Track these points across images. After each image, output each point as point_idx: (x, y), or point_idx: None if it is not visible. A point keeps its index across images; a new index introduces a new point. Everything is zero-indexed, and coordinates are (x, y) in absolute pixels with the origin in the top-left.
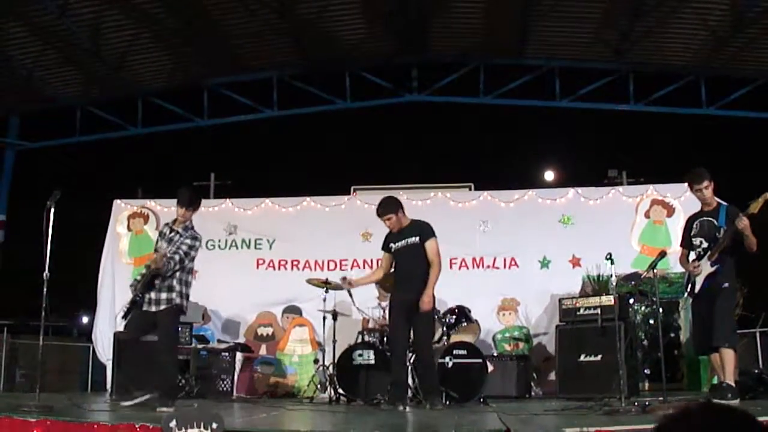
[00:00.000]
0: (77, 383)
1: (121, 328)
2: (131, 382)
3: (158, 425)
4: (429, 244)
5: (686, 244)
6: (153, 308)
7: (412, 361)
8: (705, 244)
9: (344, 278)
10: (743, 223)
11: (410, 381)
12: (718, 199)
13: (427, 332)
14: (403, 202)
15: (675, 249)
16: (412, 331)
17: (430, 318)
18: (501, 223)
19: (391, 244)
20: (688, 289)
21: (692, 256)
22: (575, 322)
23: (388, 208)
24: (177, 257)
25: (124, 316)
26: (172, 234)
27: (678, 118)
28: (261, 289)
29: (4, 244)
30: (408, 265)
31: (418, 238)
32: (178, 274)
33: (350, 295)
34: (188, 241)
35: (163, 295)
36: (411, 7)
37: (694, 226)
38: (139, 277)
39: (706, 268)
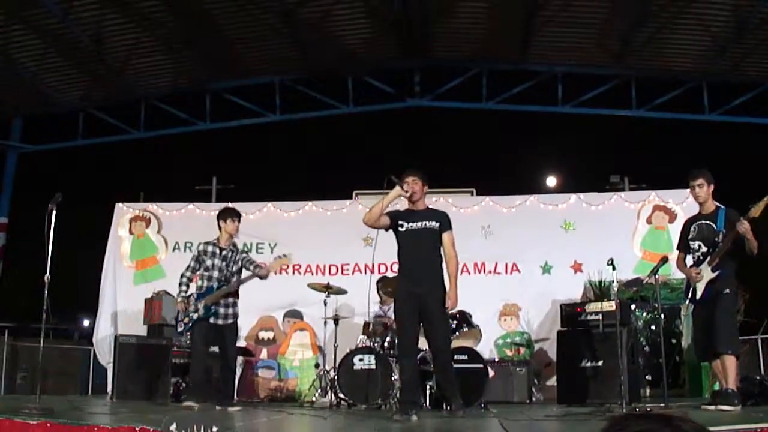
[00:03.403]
0: (78, 386)
1: (122, 331)
2: (133, 386)
3: (158, 428)
4: (449, 236)
5: (683, 247)
6: (220, 321)
7: (428, 365)
8: (704, 249)
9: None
10: (744, 226)
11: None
12: (717, 203)
13: (447, 330)
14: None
15: (677, 255)
16: (428, 333)
17: (448, 315)
18: (503, 228)
19: (402, 222)
20: (689, 296)
21: (689, 260)
22: (577, 328)
23: (418, 172)
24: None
25: (191, 330)
26: (225, 252)
27: (680, 124)
28: (262, 293)
29: (6, 247)
30: (422, 252)
31: (437, 225)
32: (237, 288)
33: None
34: (245, 255)
35: (230, 310)
36: (414, 12)
37: (692, 229)
38: (186, 290)
39: (706, 273)
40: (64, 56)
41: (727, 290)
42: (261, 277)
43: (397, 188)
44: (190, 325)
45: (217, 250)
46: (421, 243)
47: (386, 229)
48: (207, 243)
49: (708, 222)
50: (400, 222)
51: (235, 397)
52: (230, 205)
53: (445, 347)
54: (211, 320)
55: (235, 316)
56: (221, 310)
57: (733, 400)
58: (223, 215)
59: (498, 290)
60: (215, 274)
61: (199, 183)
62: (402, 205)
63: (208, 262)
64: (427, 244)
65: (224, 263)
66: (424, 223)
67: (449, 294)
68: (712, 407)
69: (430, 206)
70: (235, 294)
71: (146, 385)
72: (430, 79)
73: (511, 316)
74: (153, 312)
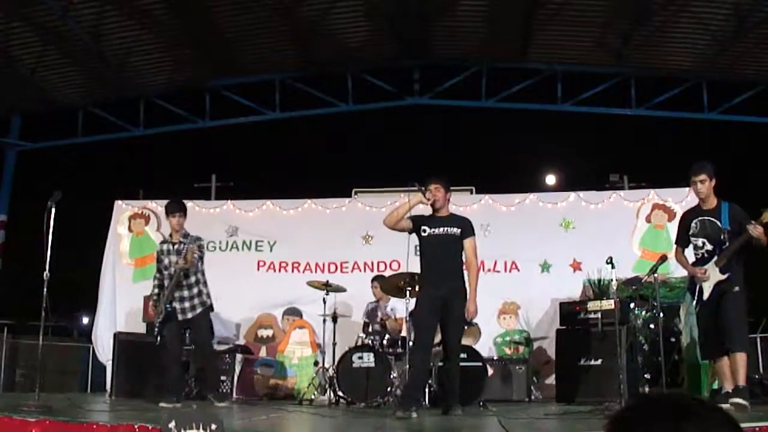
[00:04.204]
0: (77, 383)
1: (121, 329)
2: (132, 383)
3: (157, 426)
4: (471, 242)
5: (682, 241)
6: (189, 315)
7: (439, 364)
8: (708, 246)
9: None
10: (758, 230)
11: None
12: (717, 197)
13: (461, 335)
14: None
15: (674, 249)
16: (445, 334)
17: (464, 320)
18: (502, 226)
19: (425, 228)
20: (696, 297)
21: (690, 254)
22: (576, 326)
23: (441, 180)
24: (197, 256)
25: (160, 333)
26: (177, 245)
27: (680, 122)
28: (261, 291)
29: (5, 244)
30: (444, 257)
31: (458, 231)
32: (200, 276)
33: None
34: (195, 243)
35: (196, 301)
36: (413, 9)
37: (693, 225)
38: (157, 291)
39: (714, 274)
40: (64, 54)
41: (737, 288)
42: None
43: (419, 195)
44: (158, 329)
45: (171, 246)
46: (443, 249)
47: (409, 233)
48: (162, 242)
49: (711, 219)
50: (422, 227)
51: (234, 394)
52: (229, 202)
53: (458, 350)
54: (180, 317)
55: (204, 305)
56: (186, 305)
57: (746, 394)
58: (166, 211)
59: (497, 288)
60: (173, 270)
61: (198, 180)
62: (426, 208)
63: (165, 261)
64: (448, 249)
65: (178, 257)
66: (446, 229)
67: (468, 304)
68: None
69: (453, 212)
70: (197, 284)
71: (145, 382)
72: (429, 77)
73: (510, 314)
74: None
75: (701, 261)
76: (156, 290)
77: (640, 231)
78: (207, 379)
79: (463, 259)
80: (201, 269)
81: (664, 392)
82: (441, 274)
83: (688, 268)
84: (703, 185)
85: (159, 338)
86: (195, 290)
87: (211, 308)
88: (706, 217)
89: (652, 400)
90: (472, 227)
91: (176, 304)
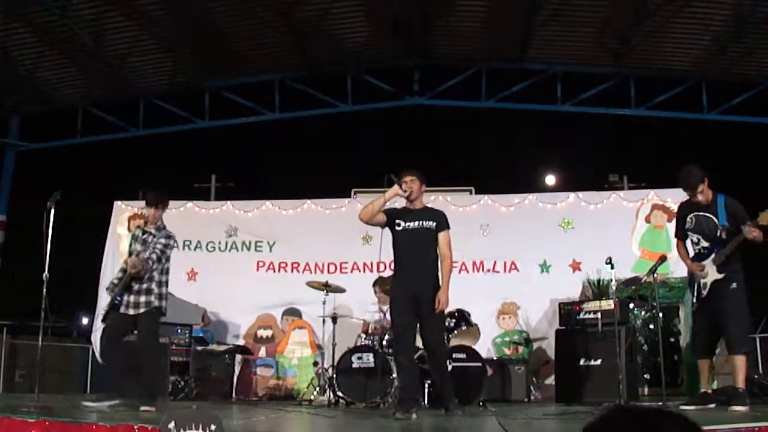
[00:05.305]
0: (76, 384)
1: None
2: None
3: (156, 426)
4: (445, 235)
5: (681, 234)
6: (131, 311)
7: (426, 364)
8: (704, 243)
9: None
10: (754, 233)
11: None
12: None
13: (442, 332)
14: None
15: (675, 254)
16: (423, 331)
17: (443, 316)
18: (501, 227)
19: (399, 221)
20: (695, 294)
21: (690, 250)
22: (575, 327)
23: (416, 172)
24: (154, 257)
25: (104, 320)
26: (146, 236)
27: (679, 123)
28: (261, 292)
29: (4, 245)
30: (418, 252)
31: (434, 225)
32: (155, 275)
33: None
34: (162, 240)
35: (142, 299)
36: (413, 10)
37: (689, 219)
38: (116, 281)
39: (712, 273)
40: (63, 54)
41: (734, 285)
42: (136, 274)
43: (395, 187)
44: (104, 316)
45: (140, 233)
46: (418, 242)
47: (382, 227)
48: (137, 226)
49: (707, 215)
50: (397, 221)
51: (234, 395)
52: (228, 202)
53: (440, 347)
54: (122, 310)
55: (148, 305)
56: (131, 299)
57: (745, 400)
58: (145, 200)
59: (496, 289)
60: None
61: (198, 181)
62: (401, 203)
63: (133, 248)
64: (423, 243)
65: (143, 248)
66: (420, 222)
67: (439, 295)
68: (699, 406)
69: (428, 205)
70: (149, 281)
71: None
72: (429, 77)
73: (509, 314)
74: None
75: (698, 257)
76: (119, 274)
77: (639, 231)
78: (136, 382)
79: (439, 254)
80: (163, 268)
81: (635, 405)
82: (414, 269)
83: (687, 263)
84: (702, 195)
85: (105, 327)
86: (144, 286)
87: (161, 312)
88: (701, 213)
89: (622, 412)
90: (447, 220)
91: (125, 296)
